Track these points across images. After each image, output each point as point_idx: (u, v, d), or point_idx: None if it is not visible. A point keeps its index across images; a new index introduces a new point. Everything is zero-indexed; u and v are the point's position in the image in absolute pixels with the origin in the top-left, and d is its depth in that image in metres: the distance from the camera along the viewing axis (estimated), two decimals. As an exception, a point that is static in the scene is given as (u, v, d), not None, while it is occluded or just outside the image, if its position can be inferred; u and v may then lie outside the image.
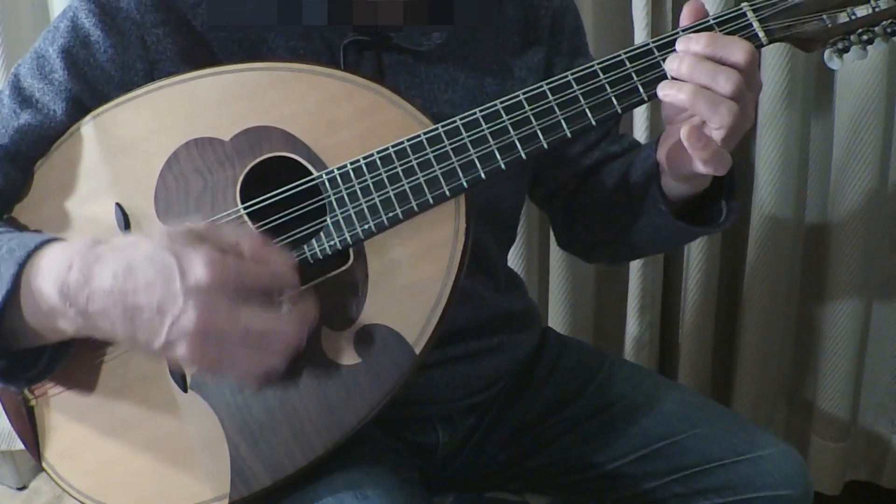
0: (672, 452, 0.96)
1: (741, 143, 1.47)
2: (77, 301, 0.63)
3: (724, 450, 0.95)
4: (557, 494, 1.05)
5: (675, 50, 0.73)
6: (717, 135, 0.73)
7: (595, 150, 0.99)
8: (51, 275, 0.64)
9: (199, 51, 0.80)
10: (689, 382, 1.55)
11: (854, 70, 1.31)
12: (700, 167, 0.74)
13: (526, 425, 1.00)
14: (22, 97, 0.78)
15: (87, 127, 0.77)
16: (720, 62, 0.72)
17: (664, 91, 0.73)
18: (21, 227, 0.78)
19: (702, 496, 0.95)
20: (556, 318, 1.53)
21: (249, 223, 0.73)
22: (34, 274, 0.65)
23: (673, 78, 0.73)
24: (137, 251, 0.62)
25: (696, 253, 1.47)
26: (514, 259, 1.46)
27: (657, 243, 0.96)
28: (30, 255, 0.66)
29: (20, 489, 1.67)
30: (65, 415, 0.76)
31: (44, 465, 0.78)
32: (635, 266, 1.47)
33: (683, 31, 0.74)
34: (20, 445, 1.57)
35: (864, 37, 0.74)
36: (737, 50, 0.72)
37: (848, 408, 1.52)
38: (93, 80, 0.78)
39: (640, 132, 1.40)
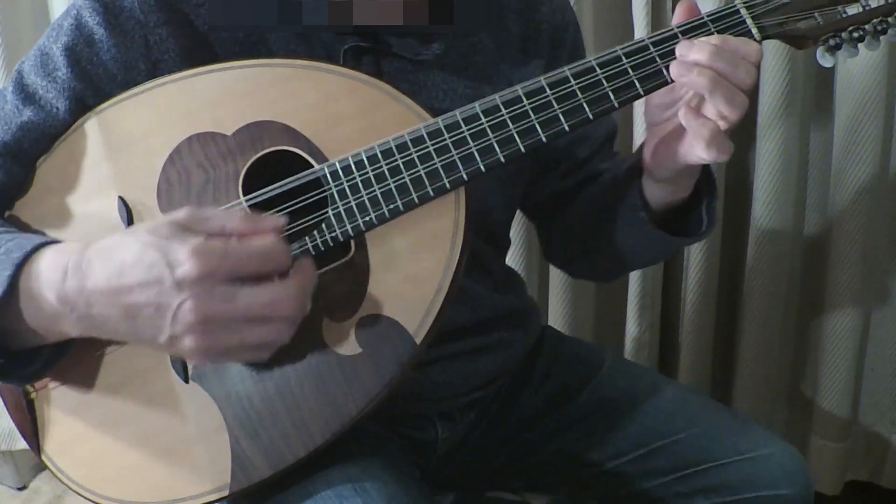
0: (672, 451, 0.95)
1: (741, 144, 1.49)
2: (77, 306, 0.64)
3: (724, 448, 0.94)
4: (557, 493, 1.05)
5: (673, 47, 0.73)
6: (722, 125, 0.72)
7: (582, 169, 0.98)
8: (47, 282, 0.65)
9: (200, 51, 0.80)
10: (689, 382, 1.55)
11: (854, 72, 1.31)
12: (702, 150, 0.73)
13: (525, 422, 1.00)
14: (25, 94, 0.78)
15: (90, 123, 0.78)
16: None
17: (679, 71, 0.72)
18: (22, 225, 0.78)
19: (702, 495, 0.95)
20: (556, 318, 1.53)
21: (245, 206, 0.74)
22: (32, 279, 0.66)
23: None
24: (125, 251, 0.63)
25: (696, 253, 1.48)
26: (515, 259, 1.46)
27: (634, 256, 0.92)
28: (27, 257, 0.66)
29: (20, 489, 1.67)
30: (65, 407, 0.77)
31: (43, 457, 0.78)
32: (635, 266, 1.47)
33: (678, 27, 0.74)
34: (20, 445, 1.59)
35: (855, 34, 0.75)
36: (750, 47, 0.72)
37: (848, 408, 1.52)
38: (95, 78, 0.78)
39: (639, 132, 1.40)
